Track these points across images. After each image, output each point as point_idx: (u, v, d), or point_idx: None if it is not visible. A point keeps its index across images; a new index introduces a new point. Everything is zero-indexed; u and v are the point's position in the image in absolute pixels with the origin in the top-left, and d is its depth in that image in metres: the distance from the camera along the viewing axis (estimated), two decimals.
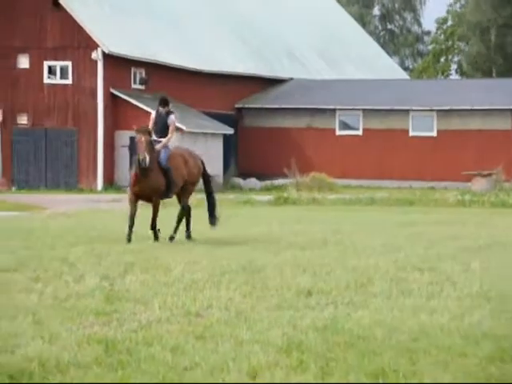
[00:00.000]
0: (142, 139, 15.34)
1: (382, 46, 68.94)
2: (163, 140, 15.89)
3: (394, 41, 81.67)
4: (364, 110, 44.49)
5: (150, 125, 15.96)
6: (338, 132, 44.83)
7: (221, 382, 6.52)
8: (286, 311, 8.95)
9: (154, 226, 15.67)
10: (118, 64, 39.86)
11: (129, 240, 15.23)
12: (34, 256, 13.08)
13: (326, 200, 30.86)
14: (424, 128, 43.81)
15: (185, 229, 16.28)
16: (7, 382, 6.47)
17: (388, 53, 67.82)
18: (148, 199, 15.71)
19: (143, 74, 41.53)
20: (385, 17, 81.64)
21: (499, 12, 65.52)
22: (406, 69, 75.38)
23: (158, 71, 41.70)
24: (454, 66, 77.22)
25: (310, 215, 24.40)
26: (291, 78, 49.03)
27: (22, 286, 10.32)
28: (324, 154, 44.24)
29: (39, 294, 9.82)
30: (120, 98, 39.22)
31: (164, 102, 16.11)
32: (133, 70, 41.09)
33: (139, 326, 8.20)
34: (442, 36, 74.07)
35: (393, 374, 6.64)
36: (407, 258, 13.40)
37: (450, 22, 75.55)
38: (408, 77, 63.52)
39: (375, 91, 46.11)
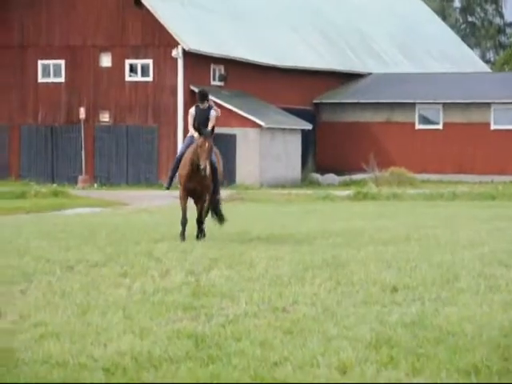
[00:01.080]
0: (205, 145, 14.43)
1: (463, 39, 67.97)
2: None
3: (476, 33, 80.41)
4: (444, 103, 43.95)
5: (190, 121, 15.03)
6: (418, 126, 44.39)
7: (311, 376, 6.54)
8: (373, 307, 8.91)
9: (201, 220, 15.13)
10: (197, 61, 40.18)
11: (183, 238, 14.85)
12: (121, 251, 13.29)
13: (407, 195, 30.61)
14: (506, 121, 43.06)
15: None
16: (102, 375, 6.59)
17: (469, 45, 66.83)
18: (199, 196, 15.05)
19: (222, 71, 41.76)
20: (465, 9, 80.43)
21: None
22: (487, 62, 74.12)
23: (236, 68, 41.89)
24: None
25: (390, 210, 24.24)
26: (370, 73, 48.72)
27: (111, 281, 10.50)
28: (403, 149, 43.86)
29: (127, 288, 9.97)
30: None
31: (203, 97, 15.00)
32: (212, 66, 41.37)
33: (227, 321, 8.26)
34: None
35: (486, 371, 6.56)
36: (492, 253, 13.20)
37: None
38: (489, 70, 62.48)
39: (456, 84, 45.50)
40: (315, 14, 50.19)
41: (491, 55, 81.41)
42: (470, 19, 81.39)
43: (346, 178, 41.67)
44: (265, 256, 12.63)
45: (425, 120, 44.46)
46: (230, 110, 39.28)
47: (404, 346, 7.22)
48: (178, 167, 15.07)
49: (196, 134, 14.82)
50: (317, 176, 42.81)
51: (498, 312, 8.57)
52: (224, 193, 18.30)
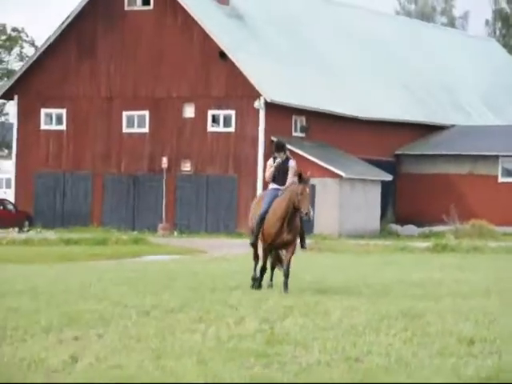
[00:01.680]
0: (306, 190, 14.43)
1: None
2: (283, 188, 14.89)
3: None
4: None
5: (269, 173, 15.05)
6: (501, 179, 43.79)
7: None
8: (449, 359, 8.79)
9: (288, 271, 14.83)
10: (279, 112, 40.52)
11: (259, 285, 14.92)
12: (197, 298, 13.42)
13: (488, 248, 30.12)
14: None
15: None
16: None
17: None
18: (286, 247, 14.83)
19: (303, 122, 41.98)
20: None
21: None
22: None
23: (317, 119, 42.09)
24: None
25: (470, 263, 23.89)
26: (453, 125, 48.37)
27: (186, 327, 10.59)
28: (485, 201, 43.26)
29: (202, 334, 10.05)
30: None
31: (281, 148, 15.03)
32: (293, 117, 41.65)
33: (300, 369, 8.25)
34: None
35: None
36: None
37: None
38: None
39: None
40: (399, 65, 50.17)
41: None
42: None
43: (426, 229, 41.28)
44: (340, 306, 12.59)
45: (508, 173, 43.86)
46: (311, 161, 39.41)
47: None
48: (262, 223, 14.83)
49: (278, 188, 14.82)
50: (396, 227, 42.51)
51: None
52: None
